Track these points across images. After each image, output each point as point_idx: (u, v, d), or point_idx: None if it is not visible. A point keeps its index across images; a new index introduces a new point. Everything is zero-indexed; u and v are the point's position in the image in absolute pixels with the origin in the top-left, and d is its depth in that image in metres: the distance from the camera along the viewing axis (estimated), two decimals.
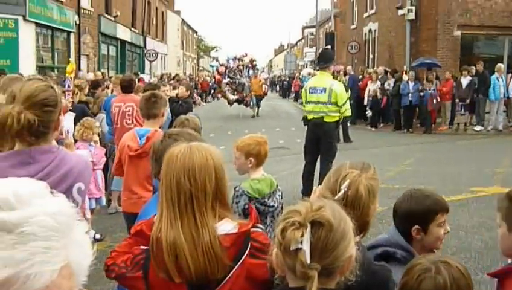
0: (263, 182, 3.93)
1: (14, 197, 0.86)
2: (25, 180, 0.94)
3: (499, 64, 18.18)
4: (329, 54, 10.28)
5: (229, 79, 26.59)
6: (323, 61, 9.42)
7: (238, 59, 27.21)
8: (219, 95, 28.61)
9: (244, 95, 25.91)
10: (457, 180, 10.50)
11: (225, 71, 26.93)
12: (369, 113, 20.39)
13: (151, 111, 4.80)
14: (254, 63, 27.95)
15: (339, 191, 2.06)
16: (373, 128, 20.10)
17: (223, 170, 2.11)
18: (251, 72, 27.15)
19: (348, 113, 9.30)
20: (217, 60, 30.91)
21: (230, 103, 26.35)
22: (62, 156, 2.48)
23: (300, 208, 1.56)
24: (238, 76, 26.62)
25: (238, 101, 26.24)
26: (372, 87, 20.56)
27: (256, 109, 26.20)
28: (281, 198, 4.04)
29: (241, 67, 26.91)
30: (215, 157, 2.10)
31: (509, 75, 18.02)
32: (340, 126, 15.99)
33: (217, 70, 27.58)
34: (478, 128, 18.30)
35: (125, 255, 2.19)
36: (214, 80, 28.88)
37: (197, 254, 2.01)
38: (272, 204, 3.93)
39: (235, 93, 26.31)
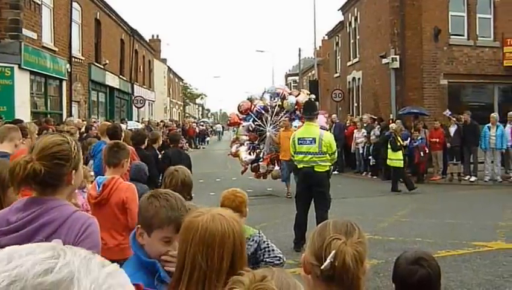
0: None
1: None
2: None
3: (492, 115, 18.04)
4: (314, 104, 10.45)
5: (250, 123, 16.29)
6: (308, 111, 9.58)
7: (280, 96, 16.17)
8: (235, 146, 16.92)
9: (262, 155, 16.24)
10: (457, 233, 9.98)
11: (251, 108, 16.32)
12: (372, 161, 19.84)
13: (111, 160, 5.00)
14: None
15: (324, 260, 1.96)
16: (375, 177, 19.76)
17: (243, 245, 2.03)
18: (296, 122, 15.28)
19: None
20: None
21: (243, 164, 16.47)
22: (49, 206, 2.50)
23: (244, 279, 1.42)
24: (265, 122, 16.30)
25: (254, 164, 16.37)
26: (358, 135, 20.95)
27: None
28: (254, 250, 4.12)
29: (277, 109, 16.21)
30: (237, 232, 2.00)
31: (508, 126, 17.67)
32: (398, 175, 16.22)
33: (239, 107, 16.64)
34: (473, 178, 17.86)
35: None
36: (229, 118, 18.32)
37: None
38: None
39: (253, 150, 16.45)
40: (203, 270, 1.92)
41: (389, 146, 16.41)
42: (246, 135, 16.36)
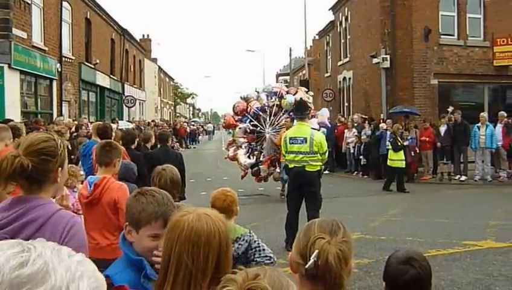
0: None
1: None
2: None
3: (482, 114, 18.19)
4: (306, 104, 10.51)
5: (247, 125, 15.34)
6: (300, 111, 9.67)
7: (278, 95, 15.20)
8: (232, 148, 15.78)
9: (261, 157, 15.29)
10: (447, 232, 9.99)
11: (247, 109, 15.29)
12: (363, 161, 20.01)
13: (103, 159, 4.92)
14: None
15: (308, 259, 1.98)
16: (366, 176, 19.83)
17: (229, 245, 2.03)
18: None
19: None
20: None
21: (243, 169, 15.32)
22: (33, 204, 2.49)
23: (237, 277, 1.41)
24: (263, 123, 15.27)
25: (254, 168, 15.25)
26: (349, 134, 21.00)
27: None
28: (245, 249, 4.13)
29: (275, 109, 15.21)
30: (222, 232, 1.99)
31: (499, 126, 17.79)
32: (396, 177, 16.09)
33: (234, 107, 15.51)
34: (463, 178, 17.94)
35: None
36: (224, 120, 16.93)
37: None
38: None
39: (252, 153, 15.56)
40: (189, 269, 1.92)
41: (389, 147, 16.38)
42: (244, 137, 15.34)
